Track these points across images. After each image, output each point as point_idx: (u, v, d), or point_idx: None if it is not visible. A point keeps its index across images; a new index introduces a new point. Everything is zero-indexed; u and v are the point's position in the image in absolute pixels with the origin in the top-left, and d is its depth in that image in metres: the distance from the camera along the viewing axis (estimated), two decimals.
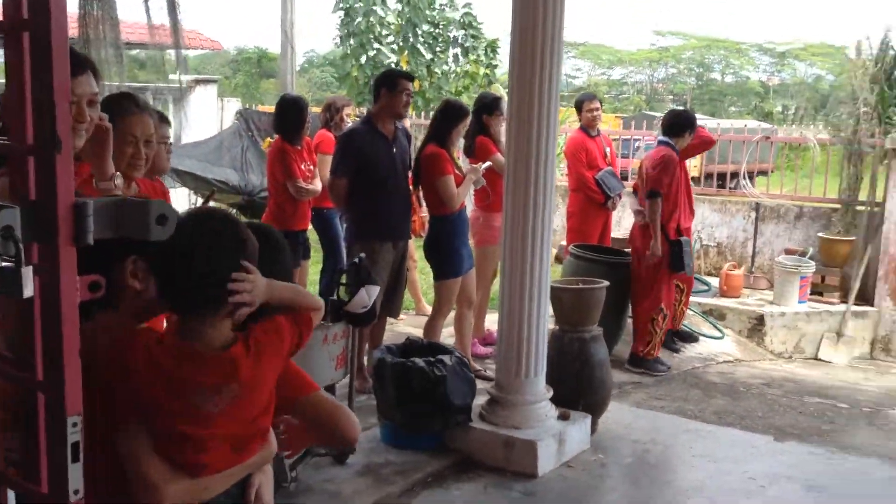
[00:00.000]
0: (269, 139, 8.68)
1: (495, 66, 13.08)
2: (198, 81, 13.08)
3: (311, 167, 6.16)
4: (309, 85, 34.37)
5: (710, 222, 8.93)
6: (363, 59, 11.99)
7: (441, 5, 12.73)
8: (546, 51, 4.35)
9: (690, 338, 7.23)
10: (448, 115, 5.61)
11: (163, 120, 3.41)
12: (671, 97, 53.03)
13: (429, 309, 7.46)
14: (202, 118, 12.25)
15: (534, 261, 4.51)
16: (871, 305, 7.91)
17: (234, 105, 14.17)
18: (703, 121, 10.12)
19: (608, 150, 7.44)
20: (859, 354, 7.84)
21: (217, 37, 37.64)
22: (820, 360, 7.65)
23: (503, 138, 5.57)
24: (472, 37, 12.73)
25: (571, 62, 52.75)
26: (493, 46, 13.09)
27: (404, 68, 11.32)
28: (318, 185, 6.14)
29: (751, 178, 12.40)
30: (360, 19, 11.95)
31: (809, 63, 55.36)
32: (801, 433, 5.24)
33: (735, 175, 9.30)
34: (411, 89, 5.46)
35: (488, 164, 5.84)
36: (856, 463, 4.80)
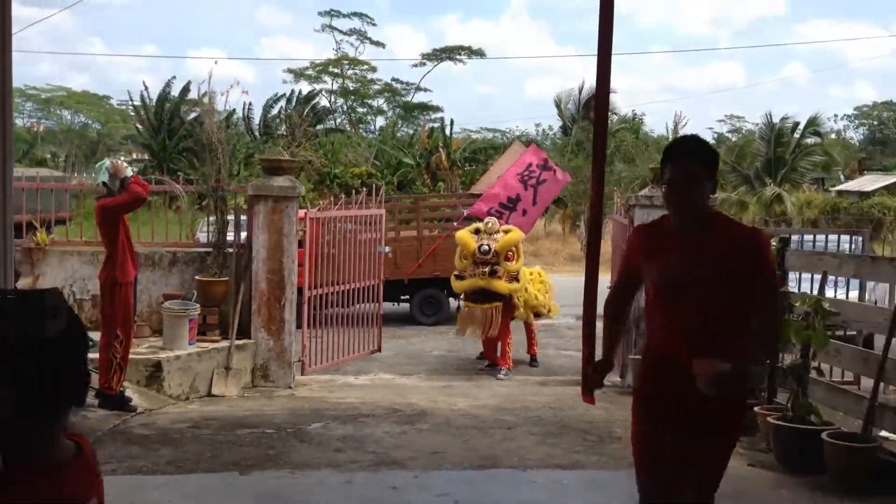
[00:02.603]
0: None
1: None
2: None
3: None
4: None
5: (82, 275, 8.65)
6: None
7: None
8: None
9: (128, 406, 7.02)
10: None
11: None
12: None
13: None
14: None
15: None
16: (250, 338, 8.64)
17: None
18: None
19: None
20: (244, 384, 8.49)
21: None
22: (214, 395, 8.07)
23: None
24: None
25: None
26: None
27: None
28: None
29: (48, 227, 12.28)
30: None
31: (74, 111, 55.90)
32: (256, 462, 5.57)
33: (31, 225, 9.20)
34: None
35: None
36: (314, 476, 5.33)
